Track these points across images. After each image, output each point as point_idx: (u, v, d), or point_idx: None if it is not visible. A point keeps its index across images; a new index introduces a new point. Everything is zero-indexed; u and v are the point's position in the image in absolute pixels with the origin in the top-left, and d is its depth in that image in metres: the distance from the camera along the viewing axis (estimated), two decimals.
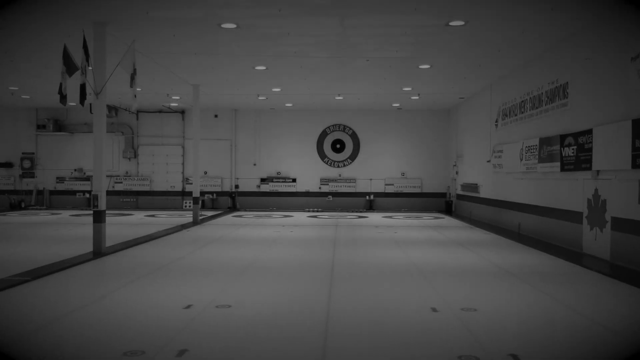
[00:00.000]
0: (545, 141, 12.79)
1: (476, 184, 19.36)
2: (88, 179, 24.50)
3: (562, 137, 11.78)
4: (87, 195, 24.37)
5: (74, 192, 24.52)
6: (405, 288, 7.96)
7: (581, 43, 11.16)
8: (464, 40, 11.95)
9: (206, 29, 11.15)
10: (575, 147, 11.21)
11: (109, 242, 11.92)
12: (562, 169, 11.82)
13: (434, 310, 6.54)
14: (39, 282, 8.04)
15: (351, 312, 6.54)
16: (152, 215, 20.67)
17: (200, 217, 19.31)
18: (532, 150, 13.67)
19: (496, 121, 16.97)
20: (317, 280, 8.36)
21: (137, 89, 18.29)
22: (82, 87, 10.04)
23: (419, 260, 10.25)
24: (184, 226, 16.50)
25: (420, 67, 14.78)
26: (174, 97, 20.84)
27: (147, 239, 13.17)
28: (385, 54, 13.30)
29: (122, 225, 16.93)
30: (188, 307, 6.61)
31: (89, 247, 11.00)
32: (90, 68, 10.67)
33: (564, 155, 11.71)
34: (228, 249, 11.87)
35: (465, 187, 21.05)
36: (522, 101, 14.59)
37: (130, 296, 7.29)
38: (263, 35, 11.67)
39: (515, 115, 15.16)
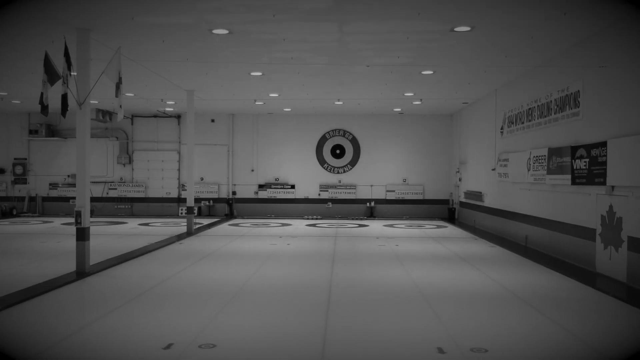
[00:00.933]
0: (554, 152, 12.16)
1: (480, 192, 18.72)
2: None
3: (574, 149, 11.13)
4: None
5: (67, 199, 23.87)
6: (409, 319, 7.33)
7: (595, 49, 10.52)
8: (469, 45, 11.32)
9: (197, 35, 10.53)
10: (587, 159, 10.57)
11: (97, 257, 11.44)
12: (573, 182, 11.17)
13: (441, 351, 5.90)
14: (8, 314, 7.39)
15: (348, 352, 5.91)
16: (146, 224, 20.05)
17: (196, 227, 18.71)
18: (540, 161, 13.03)
19: (501, 128, 16.33)
20: (312, 310, 7.73)
21: (128, 94, 17.79)
22: (64, 98, 9.41)
23: (423, 282, 9.61)
24: (178, 237, 15.88)
25: (423, 73, 14.14)
26: (168, 102, 20.22)
27: (137, 253, 12.54)
28: (387, 60, 12.68)
29: (113, 236, 16.31)
30: (168, 346, 5.98)
31: (74, 264, 10.34)
32: (74, 74, 10.07)
33: (575, 167, 11.07)
34: (220, 266, 11.24)
35: (468, 194, 20.41)
36: (530, 108, 13.94)
37: (108, 330, 6.66)
38: (257, 41, 11.05)
39: (522, 122, 14.52)
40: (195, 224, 19.35)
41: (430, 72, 14.11)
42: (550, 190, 12.63)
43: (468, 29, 10.00)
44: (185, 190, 22.31)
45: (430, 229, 19.05)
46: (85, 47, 9.98)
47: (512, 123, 15.36)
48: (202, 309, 7.70)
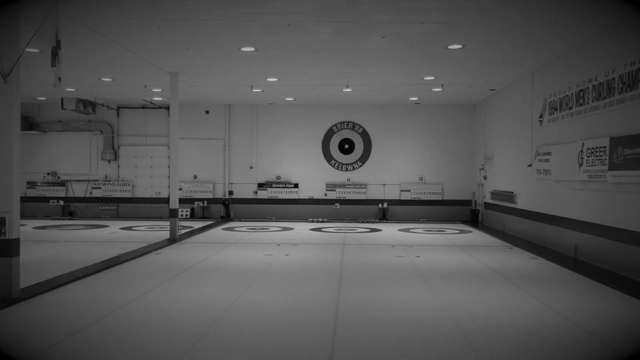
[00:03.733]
0: (619, 141, 9.61)
1: (512, 192, 16.16)
2: (63, 184, 21.61)
3: None
4: (62, 202, 21.48)
5: (47, 199, 21.56)
6: None
7: None
8: (514, 5, 8.81)
9: None
10: None
11: (49, 272, 9.42)
12: None
13: None
14: None
15: None
16: (129, 228, 17.67)
17: (185, 231, 16.39)
18: (597, 153, 10.49)
19: (540, 116, 13.77)
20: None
21: (105, 79, 15.38)
22: None
23: (459, 313, 7.13)
24: (156, 245, 13.44)
25: (450, 47, 11.63)
26: (154, 90, 17.82)
27: (96, 268, 10.13)
28: (407, 28, 10.19)
29: (84, 243, 13.93)
30: None
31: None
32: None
33: None
34: (196, 286, 8.81)
35: (496, 195, 17.84)
36: (581, 90, 11.39)
37: None
38: None
39: (570, 108, 11.96)
40: (185, 227, 17.08)
41: (459, 47, 11.59)
42: (612, 189, 10.07)
43: None
44: (179, 189, 20.00)
45: (453, 234, 16.51)
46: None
47: (556, 109, 12.80)
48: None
